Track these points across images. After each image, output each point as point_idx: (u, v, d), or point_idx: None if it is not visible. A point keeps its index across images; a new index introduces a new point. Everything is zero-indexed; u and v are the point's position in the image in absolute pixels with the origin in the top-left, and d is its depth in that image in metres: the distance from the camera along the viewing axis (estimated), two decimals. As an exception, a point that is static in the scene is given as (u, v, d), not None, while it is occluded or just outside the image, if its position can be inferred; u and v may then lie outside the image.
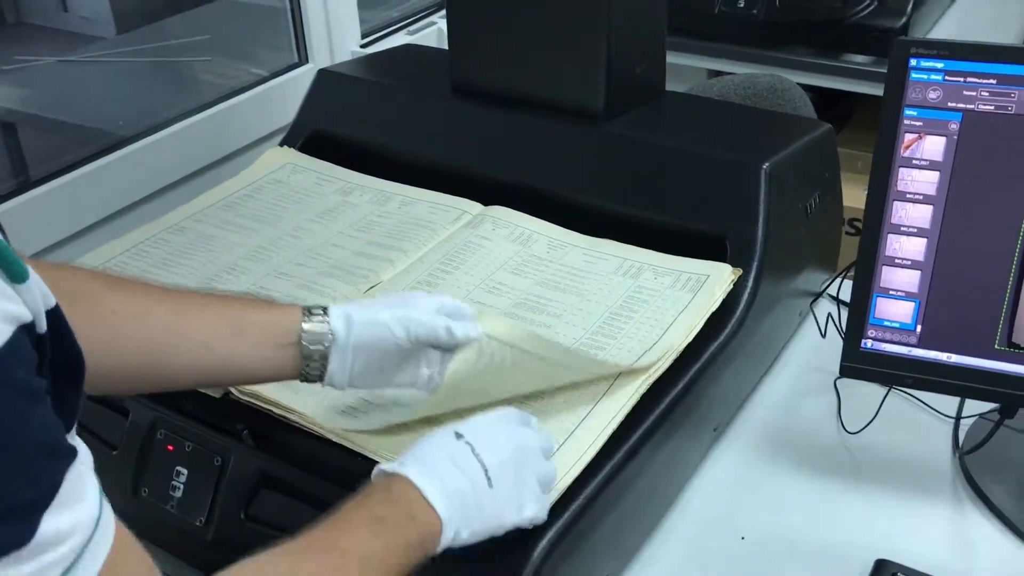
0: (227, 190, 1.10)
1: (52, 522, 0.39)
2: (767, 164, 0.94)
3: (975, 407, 0.95)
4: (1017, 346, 0.80)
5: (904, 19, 1.82)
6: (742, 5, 1.92)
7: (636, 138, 1.02)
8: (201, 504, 0.77)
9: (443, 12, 1.78)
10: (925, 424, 0.96)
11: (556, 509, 0.69)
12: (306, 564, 0.54)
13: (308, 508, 0.73)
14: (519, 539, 0.67)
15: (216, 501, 0.77)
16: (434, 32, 1.72)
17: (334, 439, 0.74)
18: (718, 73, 1.91)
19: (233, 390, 0.78)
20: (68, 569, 0.40)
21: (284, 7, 1.56)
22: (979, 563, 0.82)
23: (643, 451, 0.76)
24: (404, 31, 1.70)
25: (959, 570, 0.79)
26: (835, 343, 0.94)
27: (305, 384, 0.72)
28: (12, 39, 2.38)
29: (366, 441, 0.73)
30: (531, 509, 0.63)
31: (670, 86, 1.14)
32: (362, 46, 1.61)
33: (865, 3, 1.85)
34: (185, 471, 0.78)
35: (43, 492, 0.39)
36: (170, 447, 0.79)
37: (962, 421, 0.95)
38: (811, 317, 1.09)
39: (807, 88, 1.68)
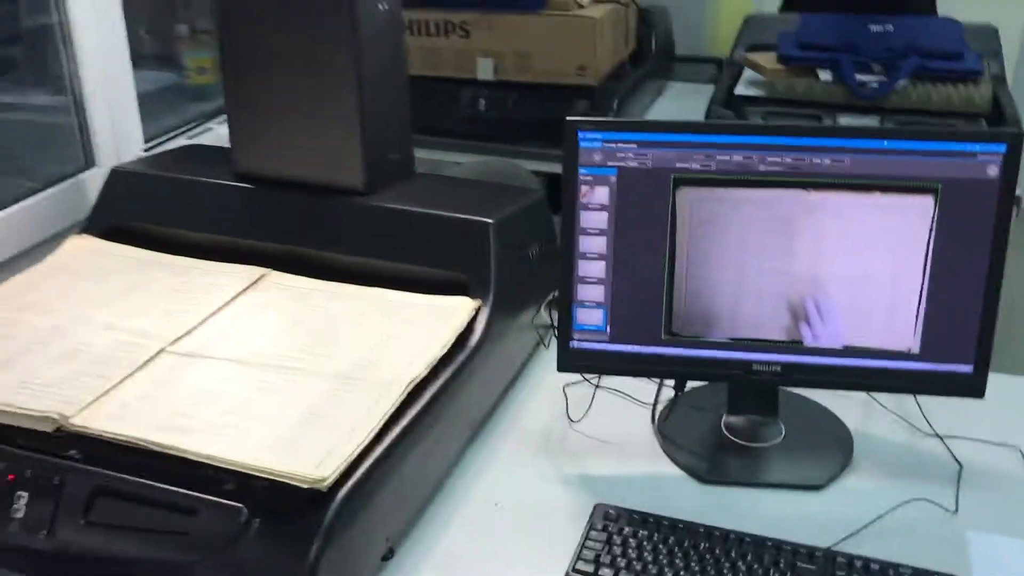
0: (33, 274, 1.24)
1: None
2: (493, 221, 1.22)
3: (669, 394, 1.24)
4: (676, 334, 1.10)
5: (611, 115, 2.22)
6: (483, 108, 2.27)
7: (393, 207, 1.27)
8: (43, 519, 0.91)
9: (219, 118, 1.99)
10: (633, 412, 1.25)
11: (344, 477, 0.90)
12: None
13: (140, 507, 0.90)
14: (315, 498, 0.87)
15: (57, 515, 0.91)
16: (212, 136, 1.92)
17: (158, 449, 0.92)
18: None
19: (64, 424, 0.94)
20: None
21: (68, 123, 1.71)
22: (668, 498, 1.09)
23: (410, 436, 0.99)
24: (184, 135, 1.89)
25: (655, 504, 1.06)
26: (558, 353, 1.21)
27: (127, 409, 0.94)
28: None
29: (187, 446, 0.92)
30: None
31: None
32: (145, 150, 1.79)
33: (582, 104, 2.24)
34: (26, 494, 0.92)
35: None
36: (11, 476, 0.93)
37: (658, 405, 1.25)
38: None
39: (541, 173, 2.03)
